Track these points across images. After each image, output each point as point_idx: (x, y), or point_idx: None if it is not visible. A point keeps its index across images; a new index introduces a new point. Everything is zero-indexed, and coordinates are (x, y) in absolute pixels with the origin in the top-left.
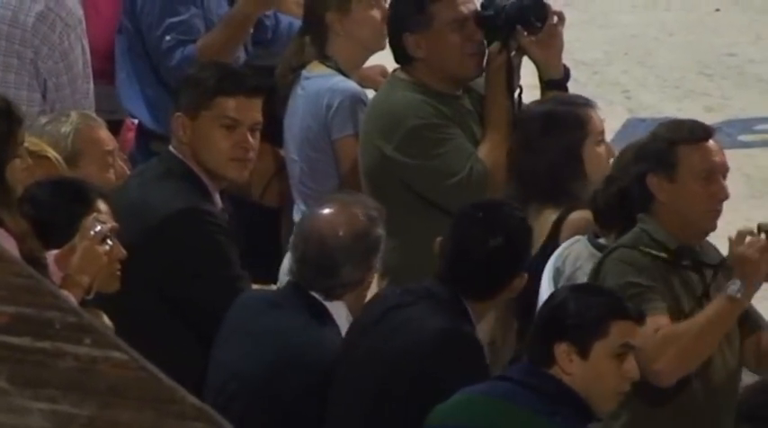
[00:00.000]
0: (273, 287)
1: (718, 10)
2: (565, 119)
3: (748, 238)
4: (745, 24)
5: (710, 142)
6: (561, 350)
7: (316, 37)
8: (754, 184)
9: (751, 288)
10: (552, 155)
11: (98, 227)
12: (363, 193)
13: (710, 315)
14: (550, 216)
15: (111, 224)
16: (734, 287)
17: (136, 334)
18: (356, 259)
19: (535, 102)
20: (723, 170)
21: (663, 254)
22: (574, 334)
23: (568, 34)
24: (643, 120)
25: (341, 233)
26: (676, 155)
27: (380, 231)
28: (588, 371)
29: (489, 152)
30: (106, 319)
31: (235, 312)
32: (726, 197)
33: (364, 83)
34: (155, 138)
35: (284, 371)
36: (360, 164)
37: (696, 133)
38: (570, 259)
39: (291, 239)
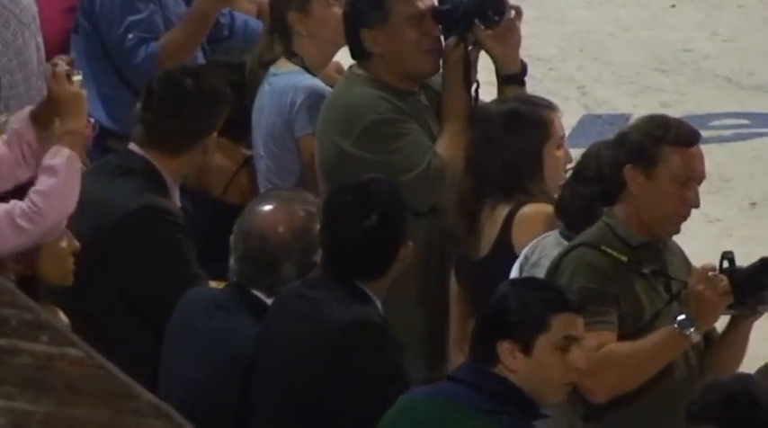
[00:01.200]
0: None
1: (673, 6)
2: (528, 118)
3: (710, 274)
4: (700, 20)
5: (694, 148)
6: (504, 348)
7: (282, 35)
8: (711, 180)
9: (703, 328)
10: (512, 153)
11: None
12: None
13: (656, 344)
14: (504, 211)
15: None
16: (686, 323)
17: (93, 332)
18: (295, 256)
19: (497, 101)
20: (701, 178)
21: (623, 258)
22: (516, 332)
23: (523, 30)
24: (599, 116)
25: (281, 229)
26: (659, 153)
27: (319, 226)
28: (533, 367)
29: (447, 146)
30: (62, 316)
31: (179, 314)
32: (697, 205)
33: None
34: (112, 136)
35: (229, 375)
36: (317, 160)
37: (683, 137)
38: (539, 248)
39: (232, 237)
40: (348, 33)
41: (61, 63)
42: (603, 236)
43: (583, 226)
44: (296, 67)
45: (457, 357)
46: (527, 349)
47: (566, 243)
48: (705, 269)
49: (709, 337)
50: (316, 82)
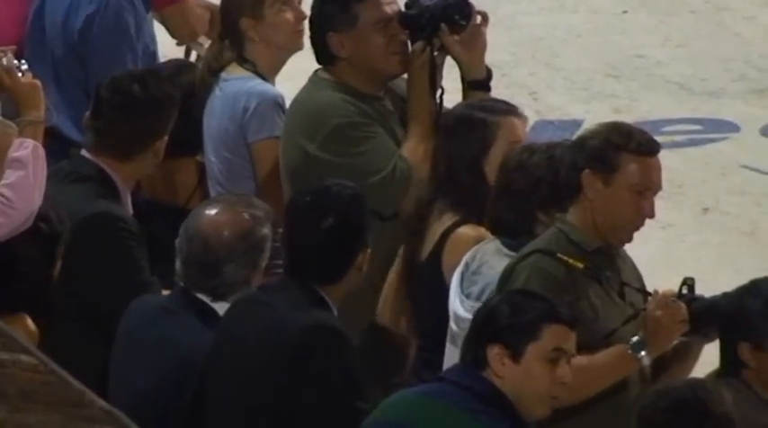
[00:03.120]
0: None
1: (625, 12)
2: (471, 123)
3: (668, 302)
4: (652, 26)
5: (654, 159)
6: (494, 352)
7: (233, 41)
8: (663, 185)
9: (655, 353)
10: (453, 159)
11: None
12: (283, 195)
13: (606, 362)
14: (446, 222)
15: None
16: (640, 346)
17: (47, 337)
18: (240, 258)
19: (461, 103)
20: (657, 189)
21: (579, 264)
22: (507, 337)
23: None
24: (551, 122)
25: (225, 232)
26: (619, 160)
27: (266, 231)
28: (520, 375)
29: (412, 150)
30: (30, 323)
31: (126, 321)
32: (652, 216)
33: None
34: (71, 144)
35: (177, 381)
36: (281, 164)
37: (644, 147)
38: (479, 255)
39: (177, 241)
40: (314, 37)
41: (7, 56)
42: (558, 242)
43: (522, 236)
44: (247, 73)
45: None
46: (516, 355)
47: (506, 250)
48: (666, 295)
49: (661, 355)
50: (268, 87)
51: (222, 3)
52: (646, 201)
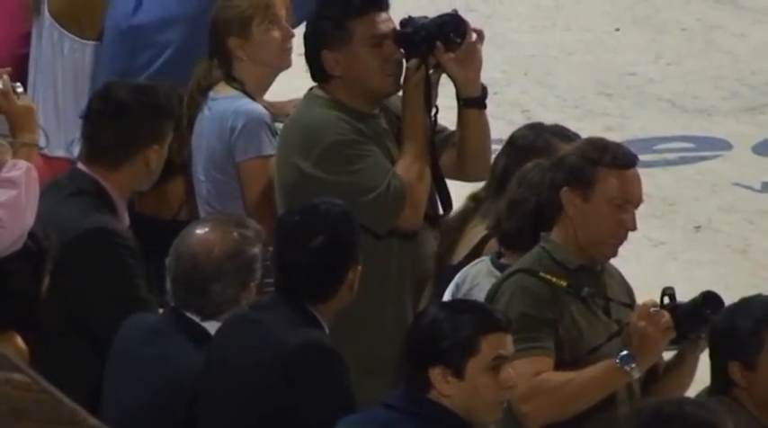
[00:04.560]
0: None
1: (617, 29)
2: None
3: (652, 310)
4: (644, 44)
5: (632, 171)
6: (436, 373)
7: (221, 60)
8: (654, 204)
9: (645, 365)
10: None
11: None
12: (277, 213)
13: (595, 376)
14: (479, 230)
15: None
16: (628, 359)
17: (40, 351)
18: (227, 278)
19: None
20: (637, 201)
21: (563, 282)
22: (446, 357)
23: None
24: None
25: (214, 251)
26: (595, 175)
27: (255, 250)
28: (466, 390)
29: (407, 168)
30: (19, 341)
31: (120, 340)
32: (633, 228)
33: (277, 114)
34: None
35: (169, 401)
36: (276, 183)
37: (620, 160)
38: (470, 276)
39: (167, 260)
40: (308, 55)
41: (2, 79)
42: (541, 261)
43: (522, 252)
44: (235, 92)
45: None
46: (459, 373)
47: (497, 272)
48: (647, 305)
49: (652, 368)
50: (256, 106)
51: (210, 22)
52: (626, 214)
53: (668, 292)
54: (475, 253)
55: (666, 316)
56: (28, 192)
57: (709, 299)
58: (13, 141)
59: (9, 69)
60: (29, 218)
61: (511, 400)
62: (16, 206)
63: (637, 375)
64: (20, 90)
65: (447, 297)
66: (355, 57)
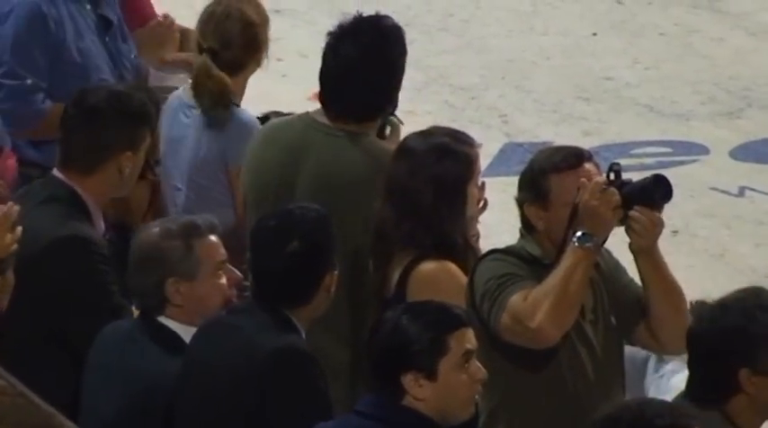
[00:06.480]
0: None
1: (594, 34)
2: (457, 153)
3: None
4: (621, 48)
5: (580, 169)
6: (408, 380)
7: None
8: None
9: (600, 238)
10: (440, 185)
11: None
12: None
13: (567, 266)
14: (404, 259)
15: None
16: (584, 238)
17: (15, 360)
18: (142, 270)
19: (420, 133)
20: None
21: (535, 252)
22: (417, 361)
23: (445, 59)
24: (520, 145)
25: (138, 246)
26: (548, 184)
27: (174, 243)
28: (440, 390)
29: None
30: None
31: (96, 349)
32: None
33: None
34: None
35: (144, 408)
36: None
37: (567, 161)
38: None
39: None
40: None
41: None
42: (518, 251)
43: None
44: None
45: None
46: (431, 375)
47: None
48: (597, 183)
49: (637, 310)
50: (247, 114)
51: None
52: None
53: (615, 168)
54: (401, 287)
55: (616, 194)
56: None
57: (658, 183)
58: None
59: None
60: None
61: (520, 328)
62: None
63: (596, 251)
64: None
65: None
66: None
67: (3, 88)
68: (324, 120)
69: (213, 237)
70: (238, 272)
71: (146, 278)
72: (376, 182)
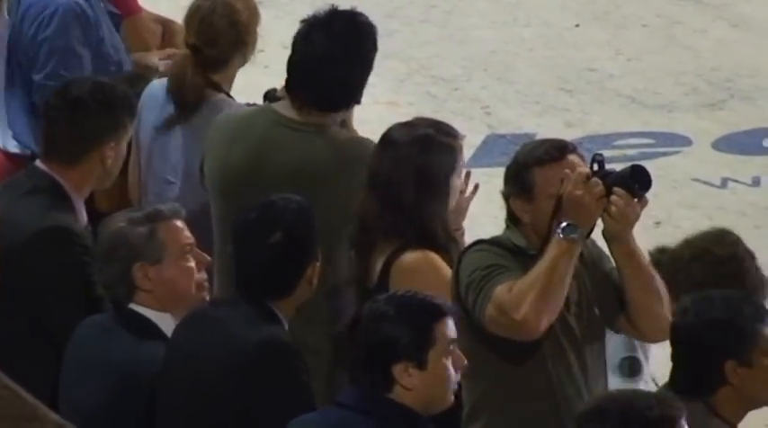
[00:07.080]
0: None
1: (577, 25)
2: (442, 145)
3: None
4: (604, 40)
5: (564, 161)
6: (399, 369)
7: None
8: None
9: (584, 229)
10: (425, 175)
11: None
12: None
13: (552, 257)
14: (386, 250)
15: None
16: (569, 229)
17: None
18: (108, 260)
19: (403, 124)
20: None
21: (520, 243)
22: (408, 352)
23: (427, 50)
24: (503, 136)
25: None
26: (532, 177)
27: (139, 230)
28: (429, 379)
29: None
30: None
31: (74, 341)
32: None
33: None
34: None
35: (124, 399)
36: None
37: (550, 154)
38: None
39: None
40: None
41: None
42: (504, 242)
43: None
44: (219, 95)
45: None
46: (422, 364)
47: None
48: (581, 174)
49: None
50: (243, 107)
51: None
52: None
53: (598, 159)
54: (383, 279)
55: (600, 184)
56: None
57: (636, 173)
58: None
59: None
60: None
61: (504, 319)
62: None
63: (580, 241)
64: None
65: None
66: None
67: (45, 89)
68: (287, 112)
69: (177, 222)
70: (207, 256)
71: (113, 266)
72: (345, 172)
